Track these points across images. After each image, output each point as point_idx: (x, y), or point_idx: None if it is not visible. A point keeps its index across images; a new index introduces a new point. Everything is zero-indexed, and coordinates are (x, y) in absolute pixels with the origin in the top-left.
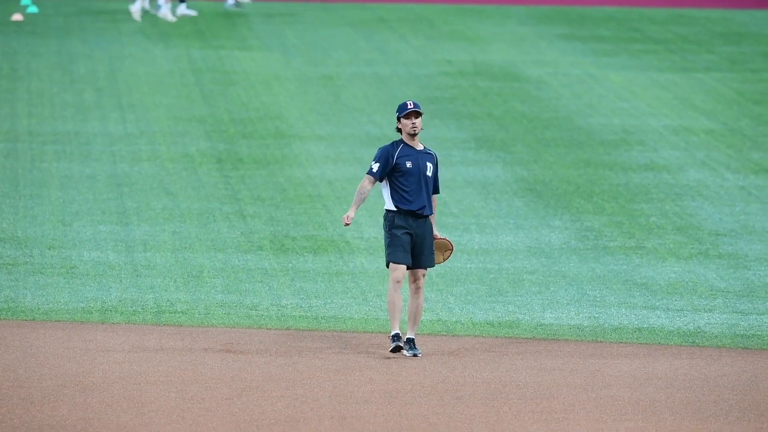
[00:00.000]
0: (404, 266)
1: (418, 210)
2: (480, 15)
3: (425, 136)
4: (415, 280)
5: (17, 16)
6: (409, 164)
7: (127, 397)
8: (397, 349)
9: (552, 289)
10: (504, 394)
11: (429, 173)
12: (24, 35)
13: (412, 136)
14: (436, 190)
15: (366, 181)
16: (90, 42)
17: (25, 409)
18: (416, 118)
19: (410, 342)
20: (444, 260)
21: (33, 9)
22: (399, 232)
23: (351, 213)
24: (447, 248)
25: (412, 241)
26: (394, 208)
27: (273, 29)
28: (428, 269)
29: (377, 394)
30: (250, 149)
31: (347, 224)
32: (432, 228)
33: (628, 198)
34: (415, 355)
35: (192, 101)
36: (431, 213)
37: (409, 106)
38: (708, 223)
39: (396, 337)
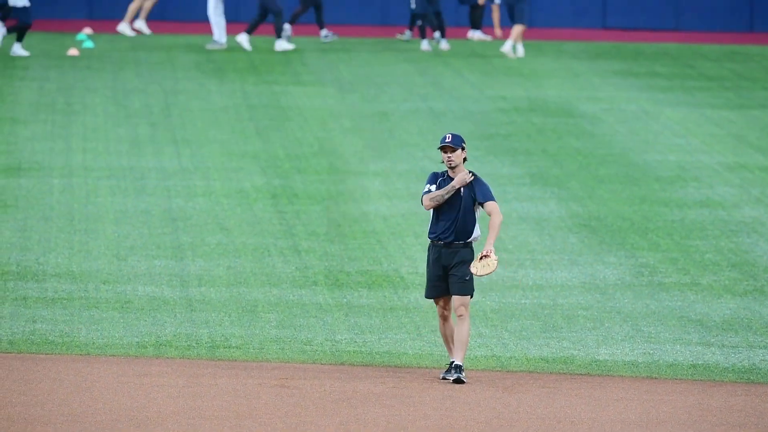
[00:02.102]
0: (440, 299)
1: (441, 239)
2: (535, 50)
3: (482, 172)
4: (453, 309)
5: (73, 51)
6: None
7: None
8: (457, 381)
9: (606, 325)
10: (559, 430)
11: (464, 200)
12: (79, 70)
13: (450, 168)
14: (484, 200)
15: (426, 200)
16: (144, 76)
17: None
18: (451, 152)
19: (456, 367)
20: (485, 270)
21: (89, 44)
22: (428, 266)
23: (441, 192)
24: (482, 258)
25: (443, 271)
26: (429, 239)
27: (327, 64)
28: (471, 297)
29: (431, 430)
30: (305, 185)
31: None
32: (466, 256)
33: (683, 234)
34: (457, 380)
35: (246, 137)
36: (461, 240)
37: (446, 140)
38: (763, 260)
39: (452, 365)
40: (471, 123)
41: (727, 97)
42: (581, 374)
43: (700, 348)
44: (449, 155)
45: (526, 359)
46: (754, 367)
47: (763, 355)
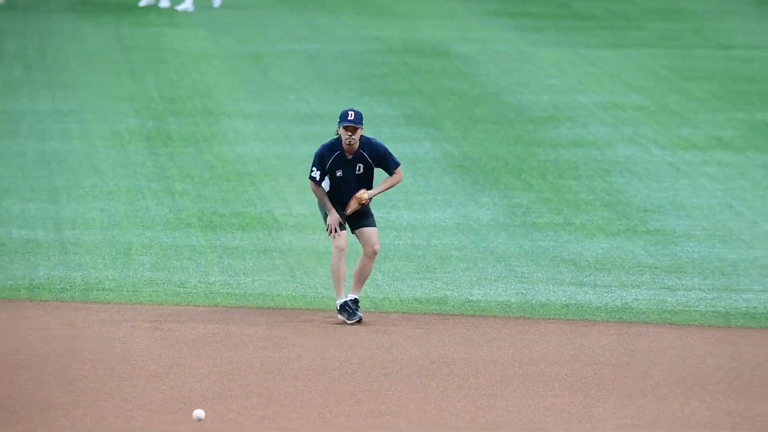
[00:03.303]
0: (344, 233)
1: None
2: None
3: None
4: (369, 245)
5: None
6: (339, 173)
7: (55, 375)
8: (357, 321)
9: (480, 265)
10: (431, 371)
11: (359, 172)
12: None
13: (349, 145)
14: (389, 172)
15: (314, 186)
16: (19, 18)
17: None
18: (353, 132)
19: (355, 302)
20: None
21: None
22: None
23: (334, 214)
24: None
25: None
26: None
27: (201, 6)
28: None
29: (304, 371)
30: (179, 127)
31: (336, 229)
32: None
33: (557, 174)
34: (356, 321)
35: (121, 79)
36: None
37: (348, 117)
38: (636, 199)
39: (344, 306)
40: (346, 64)
41: (603, 37)
42: (454, 314)
43: (572, 288)
44: (351, 135)
45: (400, 300)
46: (626, 306)
47: (635, 295)
